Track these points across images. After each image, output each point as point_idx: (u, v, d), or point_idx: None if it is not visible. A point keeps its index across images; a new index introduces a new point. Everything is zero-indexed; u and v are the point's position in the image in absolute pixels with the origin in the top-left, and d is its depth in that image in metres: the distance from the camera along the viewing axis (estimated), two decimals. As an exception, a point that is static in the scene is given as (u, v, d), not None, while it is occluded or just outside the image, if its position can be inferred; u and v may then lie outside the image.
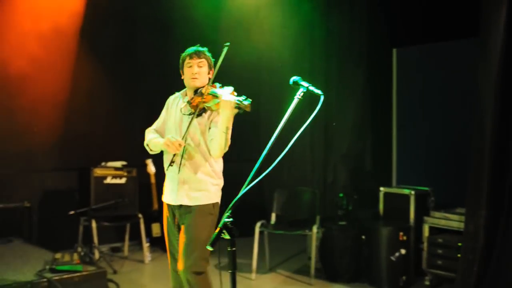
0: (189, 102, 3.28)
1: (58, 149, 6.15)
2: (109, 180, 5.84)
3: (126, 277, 5.30)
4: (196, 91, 3.32)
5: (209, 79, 3.36)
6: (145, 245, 5.90)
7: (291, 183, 6.86)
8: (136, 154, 6.14)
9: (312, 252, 5.26)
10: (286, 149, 2.23)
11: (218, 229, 2.15)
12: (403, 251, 4.94)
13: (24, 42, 5.79)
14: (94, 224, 5.61)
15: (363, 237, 5.15)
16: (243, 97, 3.03)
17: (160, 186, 6.14)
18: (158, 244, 6.22)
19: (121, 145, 6.42)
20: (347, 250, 5.20)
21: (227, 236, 2.17)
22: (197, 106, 3.22)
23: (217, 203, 3.42)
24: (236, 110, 3.01)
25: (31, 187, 6.03)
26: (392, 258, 4.90)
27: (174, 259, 3.56)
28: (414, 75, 6.11)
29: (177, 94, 3.56)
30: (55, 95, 6.05)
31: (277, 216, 5.68)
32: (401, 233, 4.97)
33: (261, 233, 5.43)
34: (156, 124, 3.62)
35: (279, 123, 2.29)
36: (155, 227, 6.24)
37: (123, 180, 5.92)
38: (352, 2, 6.58)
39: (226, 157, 3.33)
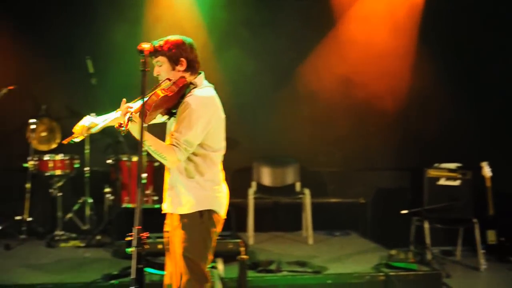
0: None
1: (393, 149, 6.42)
2: (442, 182, 5.75)
3: (460, 283, 5.11)
4: None
5: (184, 71, 2.78)
6: (480, 251, 5.60)
7: None
8: (471, 156, 5.96)
9: None
10: None
11: None
12: None
13: (365, 45, 6.25)
14: (426, 225, 5.60)
15: None
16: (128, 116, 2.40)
17: (495, 191, 5.83)
18: (493, 252, 5.85)
19: (456, 147, 6.28)
20: None
21: None
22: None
23: (206, 211, 2.79)
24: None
25: (367, 184, 6.43)
26: None
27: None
28: None
29: None
30: (391, 95, 6.29)
31: None
32: None
33: None
34: None
35: None
36: (491, 234, 5.87)
37: (457, 182, 5.74)
38: None
39: None
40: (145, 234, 1.93)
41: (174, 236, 2.78)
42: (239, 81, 6.00)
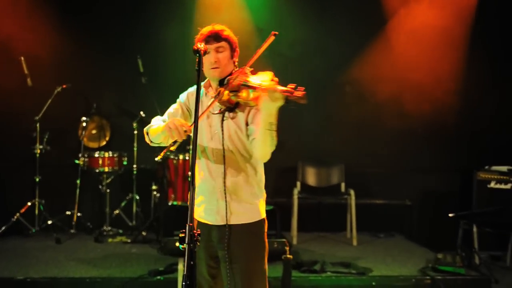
0: (217, 97, 2.55)
1: (441, 150, 6.31)
2: (493, 185, 5.60)
3: (509, 288, 4.99)
4: (222, 82, 2.59)
5: (235, 64, 2.66)
6: (532, 257, 5.45)
7: None
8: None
9: None
10: None
11: None
12: None
13: (415, 47, 6.21)
14: (475, 229, 5.48)
15: None
16: (291, 86, 2.33)
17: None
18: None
19: (508, 149, 6.10)
20: None
21: None
22: (228, 101, 2.55)
23: (264, 219, 2.66)
24: (281, 103, 2.33)
25: (413, 186, 6.31)
26: None
27: None
28: None
29: (193, 88, 2.70)
30: (440, 97, 6.18)
31: None
32: None
33: None
34: (166, 117, 2.74)
35: None
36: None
37: (508, 186, 5.58)
38: None
39: None
40: (198, 232, 1.96)
41: (236, 250, 2.54)
42: (286, 81, 5.99)
